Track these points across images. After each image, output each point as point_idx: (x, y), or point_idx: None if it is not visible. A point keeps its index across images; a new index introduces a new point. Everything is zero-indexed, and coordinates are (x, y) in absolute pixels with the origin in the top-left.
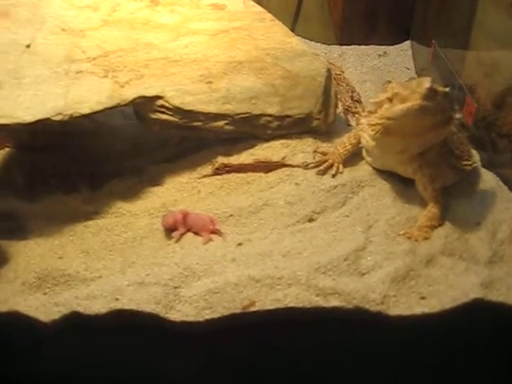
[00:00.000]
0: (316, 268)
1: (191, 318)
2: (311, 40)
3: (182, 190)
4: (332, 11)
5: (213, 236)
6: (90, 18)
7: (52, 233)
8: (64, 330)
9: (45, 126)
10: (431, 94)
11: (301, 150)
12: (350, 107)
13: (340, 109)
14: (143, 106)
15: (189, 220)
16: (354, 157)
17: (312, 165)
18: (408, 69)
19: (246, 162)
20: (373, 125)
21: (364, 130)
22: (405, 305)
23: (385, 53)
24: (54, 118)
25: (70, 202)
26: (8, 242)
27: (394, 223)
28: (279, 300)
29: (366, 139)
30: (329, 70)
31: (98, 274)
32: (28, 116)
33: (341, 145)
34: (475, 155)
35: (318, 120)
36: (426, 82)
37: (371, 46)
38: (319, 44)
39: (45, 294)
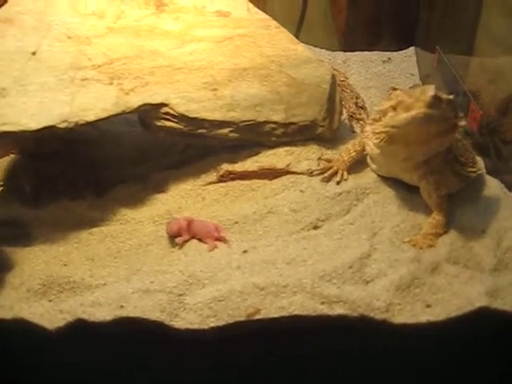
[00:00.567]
0: (321, 276)
1: (196, 326)
2: (315, 46)
3: (187, 197)
4: (336, 18)
5: (218, 243)
6: (95, 26)
7: (57, 240)
8: (69, 337)
9: (50, 134)
10: (435, 101)
11: (305, 157)
12: (354, 114)
13: (344, 115)
14: (148, 113)
15: (193, 227)
16: (358, 164)
17: (317, 172)
18: (412, 75)
19: (251, 169)
20: (377, 133)
21: (369, 138)
22: (410, 313)
23: (389, 59)
24: (60, 126)
25: (74, 208)
26: (13, 248)
27: (399, 230)
28: (284, 308)
29: (371, 147)
30: (333, 77)
31: (102, 281)
32: (33, 123)
33: (345, 152)
34: (480, 162)
35: (323, 127)
36: (430, 90)
37: (375, 52)
38: (323, 50)
39: (50, 300)
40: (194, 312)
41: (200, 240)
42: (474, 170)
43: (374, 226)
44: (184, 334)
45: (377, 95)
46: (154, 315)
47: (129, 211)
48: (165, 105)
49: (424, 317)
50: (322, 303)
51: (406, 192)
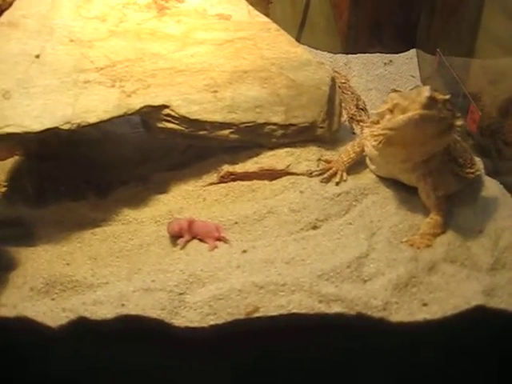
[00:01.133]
0: (319, 275)
1: (195, 324)
2: (317, 49)
3: (188, 198)
4: (338, 21)
5: (218, 243)
6: (97, 29)
7: (60, 239)
8: (71, 334)
9: (53, 135)
10: (431, 102)
11: (305, 158)
12: (354, 115)
13: (345, 117)
14: (150, 115)
15: (194, 227)
16: (357, 165)
17: (316, 173)
18: (413, 77)
19: (251, 170)
20: (375, 135)
21: (367, 140)
22: (407, 311)
23: (390, 61)
24: (63, 127)
25: (77, 209)
26: (17, 248)
27: (397, 230)
28: (282, 306)
29: (370, 148)
30: (333, 79)
31: (104, 280)
32: (37, 125)
33: (345, 153)
34: (478, 163)
35: (322, 128)
36: (426, 91)
37: (377, 55)
38: (325, 53)
39: (52, 299)
40: (194, 310)
41: (201, 240)
42: (472, 171)
43: (372, 226)
44: (184, 332)
45: (378, 97)
46: (154, 313)
47: (131, 212)
48: (166, 107)
49: (421, 315)
50: (320, 301)
51: (405, 193)
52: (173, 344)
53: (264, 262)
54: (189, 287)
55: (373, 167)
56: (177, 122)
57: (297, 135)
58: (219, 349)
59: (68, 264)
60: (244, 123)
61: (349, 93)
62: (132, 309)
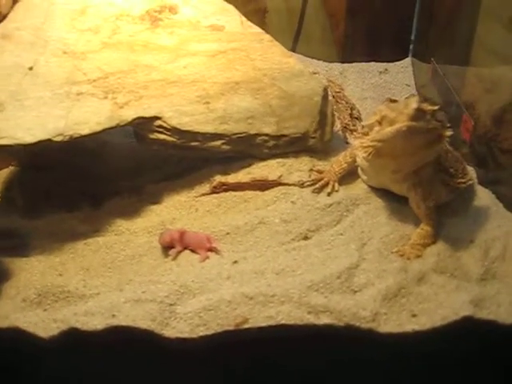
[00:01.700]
0: (308, 286)
1: (185, 335)
2: (312, 58)
3: (181, 208)
4: (334, 29)
5: (209, 254)
6: (90, 41)
7: (53, 250)
8: (62, 345)
9: (47, 146)
10: (419, 114)
11: (297, 168)
12: (348, 125)
13: (338, 127)
14: (142, 126)
15: (186, 238)
16: (349, 175)
17: (308, 183)
18: (408, 85)
19: (243, 181)
20: (365, 147)
21: (358, 150)
22: (396, 322)
23: (386, 70)
24: (55, 139)
25: (71, 220)
26: (11, 259)
27: (388, 241)
28: (271, 317)
29: (361, 158)
30: (325, 90)
31: (96, 290)
32: (29, 137)
33: (336, 163)
34: (471, 172)
35: (314, 139)
36: (413, 103)
37: (372, 63)
38: (321, 62)
39: (45, 310)
40: (185, 321)
41: (192, 251)
42: (463, 180)
43: (363, 237)
44: (174, 343)
45: (373, 106)
46: (145, 324)
47: (124, 222)
48: (158, 118)
49: (409, 326)
50: (309, 313)
51: (396, 203)
52: (163, 355)
53: (254, 273)
54: (179, 298)
55: (364, 177)
56: (169, 133)
57: (289, 146)
58: (209, 360)
59: (61, 275)
60: (236, 134)
61: (343, 102)
62: (122, 320)
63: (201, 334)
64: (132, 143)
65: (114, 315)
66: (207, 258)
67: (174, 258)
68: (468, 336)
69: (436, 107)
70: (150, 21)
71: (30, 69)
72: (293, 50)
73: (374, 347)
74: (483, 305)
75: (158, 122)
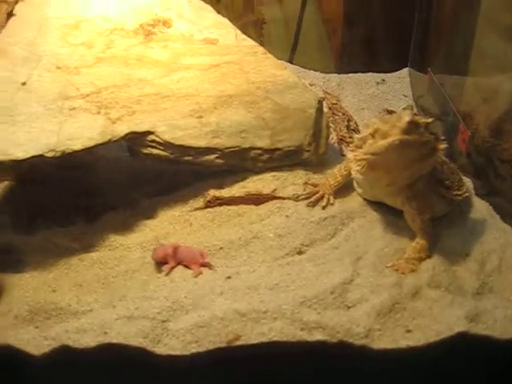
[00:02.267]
0: (301, 301)
1: (177, 352)
2: (310, 69)
3: (175, 223)
4: (331, 39)
5: (203, 269)
6: (84, 56)
7: (47, 266)
8: (54, 362)
9: (40, 161)
10: (411, 127)
11: (291, 182)
12: (344, 137)
13: (334, 139)
14: (135, 141)
15: (179, 253)
16: (345, 188)
17: (302, 197)
18: (406, 96)
19: (237, 195)
20: (358, 160)
21: (353, 163)
22: (390, 338)
23: (383, 80)
24: (47, 155)
25: (65, 235)
26: (4, 275)
27: (383, 255)
28: (264, 334)
29: (355, 171)
30: (320, 102)
31: (88, 307)
32: (21, 153)
33: (331, 176)
34: (467, 184)
35: (309, 152)
36: (406, 116)
37: (369, 74)
38: (317, 73)
39: (36, 327)
40: (177, 338)
41: (186, 266)
42: (460, 193)
43: (358, 251)
44: (166, 360)
45: (370, 116)
46: (136, 341)
47: (118, 237)
48: (151, 133)
49: (404, 342)
50: (302, 329)
51: (392, 216)
52: (155, 372)
53: (247, 289)
54: (172, 314)
55: (359, 190)
56: (162, 147)
57: (283, 159)
58: (201, 377)
59: (54, 291)
60: (229, 148)
61: (340, 114)
62: (114, 337)
63: (193, 350)
64: (126, 157)
65: (105, 332)
66: (200, 273)
67: (168, 274)
68: (463, 352)
69: (429, 120)
70: (143, 35)
71: (23, 84)
72: (290, 60)
73: (368, 364)
74: (479, 319)
75: (151, 137)
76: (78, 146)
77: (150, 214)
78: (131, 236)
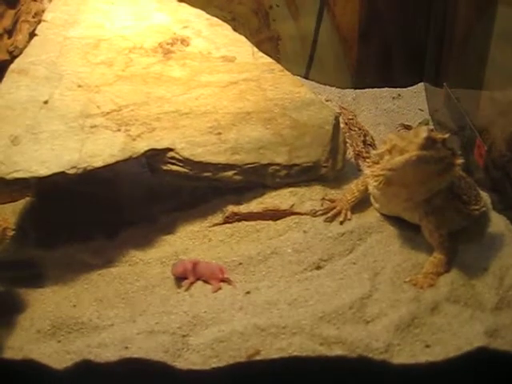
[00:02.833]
0: (320, 317)
1: (198, 367)
2: (325, 84)
3: (194, 239)
4: (347, 55)
5: (222, 284)
6: (104, 74)
7: (68, 281)
8: (76, 377)
9: (62, 178)
10: (429, 143)
11: (309, 197)
12: (361, 152)
13: (351, 154)
14: (155, 158)
15: (198, 269)
16: (362, 203)
17: (320, 212)
18: (422, 110)
19: (255, 211)
20: (375, 175)
21: (370, 178)
22: (409, 353)
23: (399, 95)
24: (69, 172)
25: (86, 250)
26: (26, 289)
27: (401, 270)
28: (283, 349)
29: (372, 187)
30: (337, 118)
31: (109, 322)
32: (43, 170)
33: (349, 192)
34: (485, 198)
35: (326, 168)
36: (423, 132)
37: (385, 89)
38: (333, 88)
39: (58, 341)
40: (197, 353)
41: (205, 281)
42: (477, 207)
43: (376, 266)
44: (186, 375)
45: (386, 132)
46: (157, 356)
47: (137, 252)
48: (170, 149)
49: (423, 357)
50: (321, 344)
51: (409, 231)
52: None
53: (267, 304)
54: (192, 329)
55: (377, 205)
56: (181, 164)
57: (300, 175)
58: None
59: (74, 306)
60: (247, 164)
61: (356, 129)
62: (135, 351)
63: (213, 365)
64: (146, 172)
65: (126, 347)
66: (220, 288)
67: (187, 289)
68: (483, 367)
69: (446, 135)
70: (162, 53)
71: (45, 102)
72: (306, 76)
73: (388, 379)
74: (498, 334)
75: (171, 154)
76: (99, 162)
77: (169, 230)
78: (151, 251)
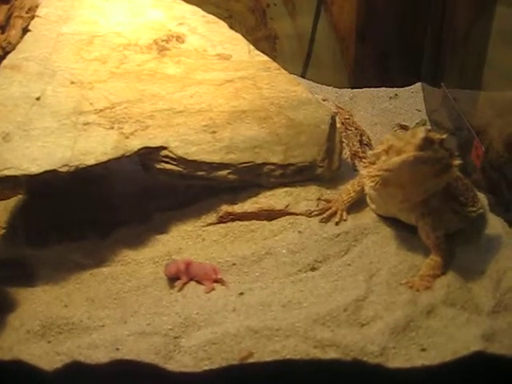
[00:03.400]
0: (315, 319)
1: (189, 369)
2: (323, 84)
3: (187, 238)
4: (344, 54)
5: (215, 285)
6: (98, 71)
7: (59, 280)
8: (65, 378)
9: (53, 176)
10: (426, 143)
11: (304, 197)
12: (357, 152)
13: (347, 154)
14: (148, 156)
15: (191, 269)
16: (358, 203)
17: (315, 212)
18: (419, 111)
19: (250, 211)
20: (372, 176)
21: (366, 179)
22: (404, 357)
23: (396, 95)
24: (61, 170)
25: (78, 249)
26: (16, 289)
27: (397, 272)
28: (277, 352)
29: (368, 187)
30: (333, 117)
31: (100, 322)
32: (35, 167)
33: (345, 192)
34: (482, 200)
35: (322, 167)
36: (420, 133)
37: (382, 89)
38: (330, 88)
39: (49, 342)
40: (189, 355)
41: (198, 282)
42: (474, 209)
43: (371, 267)
44: (178, 377)
45: (383, 131)
46: (148, 358)
47: (130, 252)
48: (164, 148)
49: (419, 361)
50: (315, 347)
51: (406, 232)
52: None
53: (260, 306)
54: (184, 331)
55: (373, 206)
56: (175, 163)
57: (296, 175)
58: None
59: (66, 306)
60: (242, 163)
61: (352, 128)
62: (126, 353)
63: (205, 367)
64: (139, 171)
65: (117, 348)
66: (213, 289)
67: (180, 290)
68: (479, 371)
69: (444, 136)
70: (157, 50)
71: (38, 99)
72: (303, 75)
73: (382, 383)
74: (495, 338)
75: (164, 152)
76: (91, 160)
77: (162, 229)
78: (143, 251)
